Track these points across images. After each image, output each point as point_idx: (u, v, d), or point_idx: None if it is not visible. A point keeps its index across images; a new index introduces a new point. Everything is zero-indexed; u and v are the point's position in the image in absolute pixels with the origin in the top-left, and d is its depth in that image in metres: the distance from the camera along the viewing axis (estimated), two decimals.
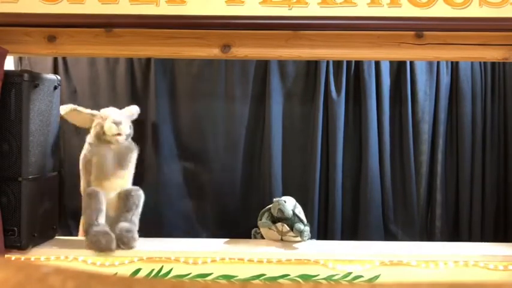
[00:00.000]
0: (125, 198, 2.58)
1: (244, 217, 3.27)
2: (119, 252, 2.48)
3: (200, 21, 2.31)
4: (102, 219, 2.50)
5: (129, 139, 2.67)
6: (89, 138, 2.63)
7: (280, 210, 2.57)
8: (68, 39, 2.41)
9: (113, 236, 2.46)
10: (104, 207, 2.52)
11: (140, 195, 2.62)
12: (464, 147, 3.24)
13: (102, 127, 2.56)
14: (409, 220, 3.27)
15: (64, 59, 3.32)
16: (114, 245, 2.45)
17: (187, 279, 2.37)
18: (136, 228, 2.57)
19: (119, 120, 2.58)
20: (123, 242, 2.48)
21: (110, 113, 2.62)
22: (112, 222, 2.55)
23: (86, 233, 2.50)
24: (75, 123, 2.70)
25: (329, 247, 2.63)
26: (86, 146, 2.63)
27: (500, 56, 2.38)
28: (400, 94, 3.29)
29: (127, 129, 2.61)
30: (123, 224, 2.54)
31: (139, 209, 2.62)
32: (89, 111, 2.67)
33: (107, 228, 2.49)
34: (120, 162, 2.60)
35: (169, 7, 2.30)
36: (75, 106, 2.67)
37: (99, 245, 2.43)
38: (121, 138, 2.58)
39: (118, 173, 2.60)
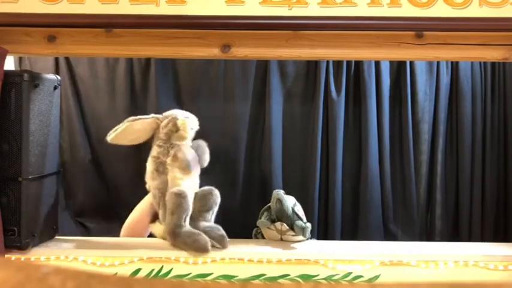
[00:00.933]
0: (203, 198, 2.56)
1: (244, 217, 3.27)
2: (123, 252, 2.47)
3: (200, 21, 2.31)
4: (188, 221, 2.48)
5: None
6: (158, 141, 2.56)
7: (279, 201, 2.58)
8: (68, 39, 2.41)
9: (207, 237, 2.44)
10: (191, 207, 2.50)
11: (218, 195, 2.60)
12: (464, 147, 3.25)
13: (175, 124, 2.52)
14: (409, 220, 3.28)
15: (67, 59, 3.32)
16: (210, 245, 2.43)
17: (187, 279, 2.37)
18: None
19: (187, 115, 2.60)
20: (218, 242, 2.46)
21: (176, 112, 2.63)
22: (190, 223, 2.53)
23: (173, 234, 2.45)
24: (129, 138, 2.55)
25: (329, 247, 2.63)
26: (156, 149, 2.56)
27: (500, 56, 2.38)
28: (400, 94, 3.30)
29: (196, 123, 2.61)
30: (207, 224, 2.53)
31: (217, 209, 2.61)
32: (151, 116, 2.60)
33: (197, 230, 2.47)
34: (195, 160, 2.57)
35: (169, 7, 2.30)
36: (132, 117, 2.55)
37: (197, 245, 2.40)
38: (193, 133, 2.58)
39: (195, 171, 2.56)
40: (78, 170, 3.38)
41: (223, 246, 2.47)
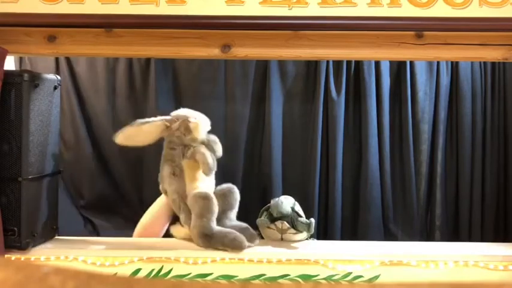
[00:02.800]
0: (223, 196, 2.53)
1: (244, 217, 3.27)
2: (123, 252, 2.47)
3: (200, 21, 2.31)
4: (215, 222, 2.47)
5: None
6: (170, 144, 2.52)
7: (280, 212, 2.57)
8: (68, 39, 2.41)
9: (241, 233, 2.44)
10: (217, 208, 2.48)
11: (237, 191, 2.58)
12: (464, 147, 3.25)
13: (187, 127, 2.48)
14: (409, 220, 3.28)
15: (67, 58, 3.33)
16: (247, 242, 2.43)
17: (187, 279, 2.37)
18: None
19: (196, 115, 2.54)
20: (250, 240, 2.45)
21: (186, 113, 2.55)
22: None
23: (205, 236, 2.43)
24: (136, 141, 2.51)
25: (329, 247, 2.63)
26: (168, 152, 2.52)
27: (500, 56, 2.38)
28: (400, 94, 3.30)
29: (208, 123, 2.56)
30: (234, 223, 2.52)
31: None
32: (160, 118, 2.53)
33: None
34: (214, 160, 2.53)
35: (169, 7, 2.30)
36: (141, 120, 2.49)
37: (236, 243, 2.40)
38: (205, 133, 2.54)
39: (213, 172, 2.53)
40: (81, 169, 3.39)
41: (254, 243, 2.47)
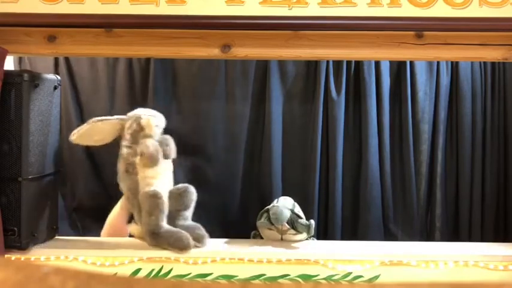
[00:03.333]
0: (179, 196, 2.52)
1: (244, 217, 3.27)
2: (123, 252, 2.48)
3: (200, 21, 2.31)
4: (165, 220, 2.46)
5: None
6: (125, 142, 2.54)
7: (279, 219, 2.56)
8: (68, 39, 2.41)
9: (188, 234, 2.43)
10: (166, 207, 2.47)
11: (194, 192, 2.56)
12: (464, 147, 3.25)
13: (139, 124, 2.50)
14: (409, 220, 3.28)
15: (66, 58, 3.32)
16: (192, 242, 2.42)
17: (187, 279, 2.37)
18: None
19: (152, 112, 2.56)
20: (198, 240, 2.45)
21: (140, 111, 2.58)
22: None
23: (152, 234, 2.44)
24: (94, 139, 2.55)
25: (329, 247, 2.63)
26: (125, 151, 2.54)
27: (500, 56, 2.38)
28: (400, 94, 3.30)
29: (162, 119, 2.57)
30: (186, 223, 2.51)
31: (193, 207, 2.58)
32: (115, 117, 2.57)
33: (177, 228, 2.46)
34: (158, 152, 2.51)
35: (169, 7, 2.30)
36: (97, 118, 2.53)
37: (180, 243, 2.40)
38: (158, 129, 2.54)
39: (164, 170, 2.53)
40: (76, 169, 3.38)
41: (202, 245, 2.46)
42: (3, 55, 2.36)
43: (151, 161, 2.44)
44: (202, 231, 2.50)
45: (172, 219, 2.52)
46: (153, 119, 2.53)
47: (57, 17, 2.31)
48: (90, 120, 2.52)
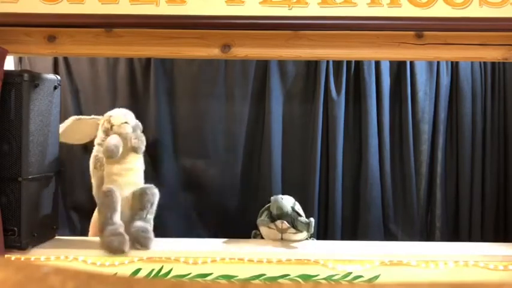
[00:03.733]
0: (139, 196, 2.53)
1: (244, 217, 3.27)
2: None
3: (200, 21, 2.31)
4: (117, 218, 2.46)
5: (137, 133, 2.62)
6: (97, 140, 2.64)
7: (280, 208, 2.57)
8: (68, 39, 2.41)
9: (126, 237, 2.42)
10: (119, 206, 2.47)
11: (155, 193, 2.56)
12: (464, 147, 3.25)
13: (109, 121, 2.57)
14: (409, 220, 3.28)
15: (66, 59, 3.32)
16: (127, 246, 2.41)
17: (187, 279, 2.37)
18: (151, 227, 2.53)
19: (124, 111, 2.64)
20: (140, 243, 2.45)
21: (113, 110, 2.68)
22: (127, 221, 2.51)
23: (101, 233, 2.46)
24: (76, 137, 2.65)
25: (329, 247, 2.63)
26: (96, 148, 2.64)
27: (500, 56, 2.38)
28: (400, 94, 3.29)
29: (133, 118, 2.62)
30: (138, 223, 2.50)
31: (155, 207, 2.57)
32: (91, 117, 2.67)
33: (121, 229, 2.44)
34: (131, 158, 2.56)
35: (169, 7, 2.30)
36: (77, 116, 2.64)
37: (111, 246, 2.40)
38: (128, 126, 2.56)
39: (130, 169, 2.56)
40: (75, 169, 3.38)
41: (145, 247, 2.46)
42: (3, 55, 2.36)
43: (108, 153, 2.46)
44: (147, 234, 2.48)
45: (132, 217, 2.52)
46: (121, 117, 2.58)
47: (57, 17, 2.31)
48: (70, 118, 2.64)
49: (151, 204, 2.55)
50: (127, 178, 2.53)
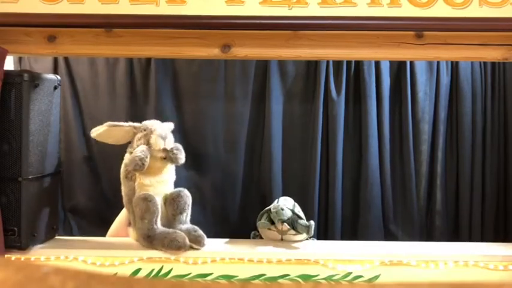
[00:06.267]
0: (172, 201, 2.53)
1: (244, 217, 3.27)
2: (123, 252, 2.48)
3: (200, 21, 2.31)
4: (159, 223, 2.48)
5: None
6: (131, 148, 2.56)
7: (281, 219, 2.56)
8: (68, 39, 2.41)
9: (184, 234, 2.45)
10: (160, 210, 2.49)
11: (189, 195, 2.57)
12: (464, 147, 3.25)
13: (148, 141, 2.51)
14: (409, 220, 3.28)
15: (66, 59, 3.32)
16: (188, 242, 2.44)
17: (187, 279, 2.37)
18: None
19: (164, 134, 2.54)
20: (196, 242, 2.46)
21: (156, 127, 2.57)
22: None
23: (147, 238, 2.46)
24: (110, 140, 2.59)
25: (329, 247, 2.63)
26: (126, 156, 2.57)
27: (500, 56, 2.38)
28: (400, 94, 3.29)
29: (172, 143, 2.56)
30: (184, 226, 2.52)
31: (190, 209, 2.59)
32: (129, 124, 2.60)
33: (169, 229, 2.47)
34: (166, 170, 2.57)
35: (169, 7, 2.31)
36: (112, 122, 2.57)
37: (176, 244, 2.41)
38: (167, 141, 2.53)
39: (162, 181, 2.56)
40: (75, 170, 3.38)
41: (200, 246, 2.47)
42: (3, 55, 2.36)
43: (133, 165, 2.44)
44: (199, 232, 2.51)
45: (170, 223, 2.53)
46: (161, 143, 2.50)
47: (57, 17, 2.31)
48: (106, 124, 2.55)
49: (189, 206, 2.57)
50: (159, 189, 2.54)
